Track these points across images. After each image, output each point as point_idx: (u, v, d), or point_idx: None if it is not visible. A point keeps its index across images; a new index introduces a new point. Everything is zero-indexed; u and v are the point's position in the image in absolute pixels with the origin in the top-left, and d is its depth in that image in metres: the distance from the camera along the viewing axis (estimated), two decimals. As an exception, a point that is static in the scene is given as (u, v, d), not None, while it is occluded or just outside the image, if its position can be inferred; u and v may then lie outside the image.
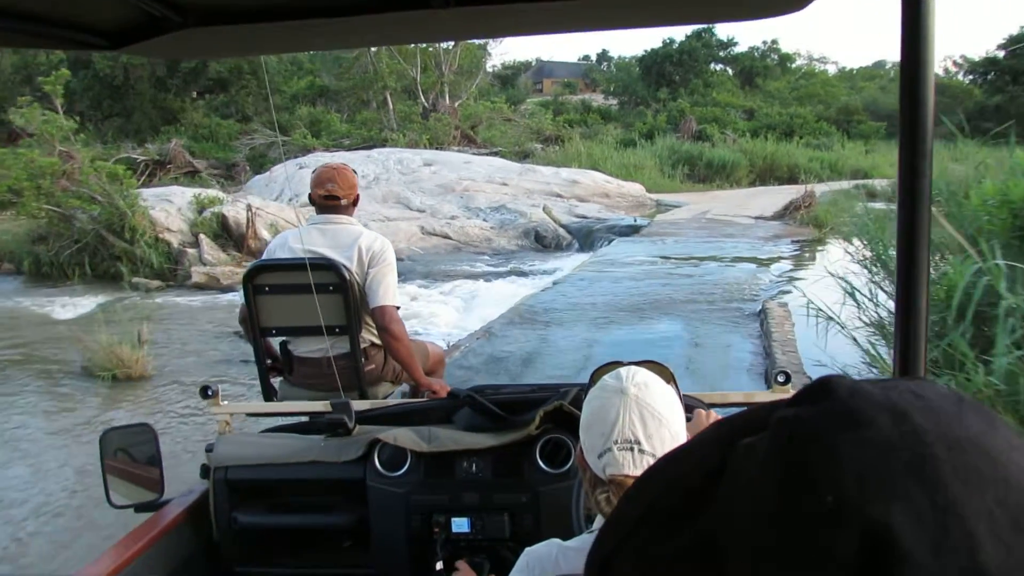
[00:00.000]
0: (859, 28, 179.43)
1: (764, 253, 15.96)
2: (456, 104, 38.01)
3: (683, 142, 35.61)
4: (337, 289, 3.74)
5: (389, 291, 3.83)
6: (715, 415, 1.84)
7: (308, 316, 3.63)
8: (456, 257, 19.21)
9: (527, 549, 1.64)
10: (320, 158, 25.57)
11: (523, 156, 33.63)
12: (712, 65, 61.30)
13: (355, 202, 4.07)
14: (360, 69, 39.01)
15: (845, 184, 31.67)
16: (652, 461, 1.01)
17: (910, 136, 1.35)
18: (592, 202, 24.68)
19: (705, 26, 55.70)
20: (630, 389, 1.51)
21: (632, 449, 1.46)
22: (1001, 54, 52.05)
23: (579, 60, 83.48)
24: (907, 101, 1.36)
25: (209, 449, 2.75)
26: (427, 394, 3.85)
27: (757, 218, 20.73)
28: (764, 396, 2.59)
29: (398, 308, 3.87)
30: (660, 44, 58.93)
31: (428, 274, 16.51)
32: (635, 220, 20.95)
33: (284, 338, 4.00)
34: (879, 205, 14.79)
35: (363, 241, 3.87)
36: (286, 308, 3.80)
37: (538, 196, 24.59)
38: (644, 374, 1.56)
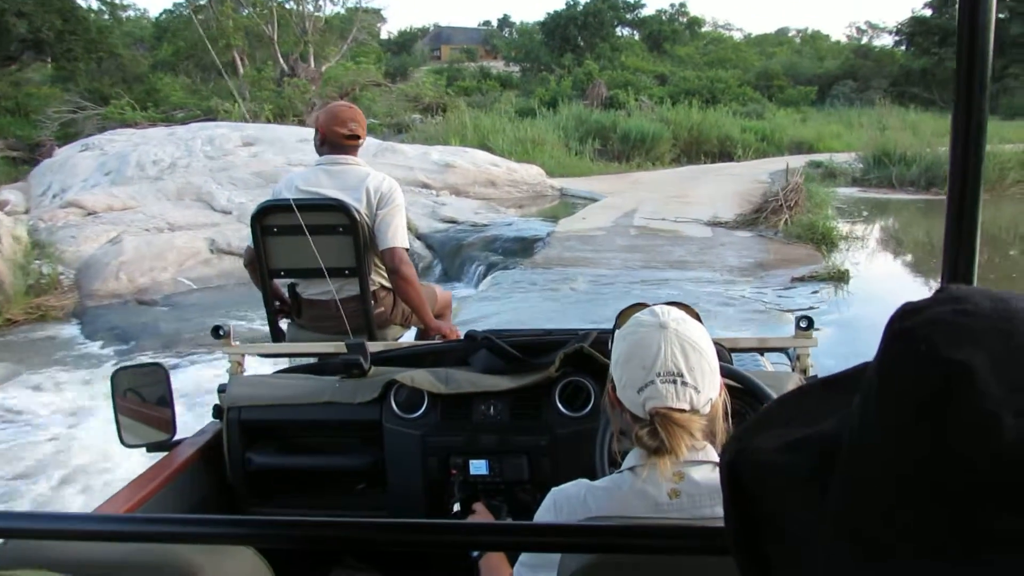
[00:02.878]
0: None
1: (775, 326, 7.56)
2: (321, 68, 29.38)
3: (592, 110, 27.52)
4: (347, 231, 3.42)
5: (399, 233, 3.51)
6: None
7: (315, 257, 3.39)
8: (242, 295, 11.05)
9: (554, 488, 1.54)
10: (117, 137, 19.95)
11: (398, 130, 25.45)
12: (619, 29, 54.69)
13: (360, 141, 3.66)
14: (203, 25, 29.96)
15: (792, 160, 24.33)
16: (694, 393, 1.37)
17: (965, 112, 1.14)
18: (471, 195, 16.53)
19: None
20: (669, 323, 1.43)
21: (675, 381, 1.38)
22: (928, 13, 45.56)
23: (479, 26, 74.99)
24: (963, 74, 1.13)
25: (222, 389, 2.53)
26: (437, 337, 3.58)
27: (713, 224, 12.78)
28: (782, 340, 2.43)
29: (407, 250, 3.55)
30: (563, 6, 51.40)
31: (169, 339, 8.40)
32: (526, 226, 12.91)
33: (292, 280, 3.63)
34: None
35: (371, 182, 3.53)
36: (294, 249, 3.46)
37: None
38: (678, 311, 1.48)
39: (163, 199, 15.38)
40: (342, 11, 34.17)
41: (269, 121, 23.98)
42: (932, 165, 18.14)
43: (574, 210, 15.74)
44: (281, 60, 30.18)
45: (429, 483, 2.33)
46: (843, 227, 12.43)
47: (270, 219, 3.51)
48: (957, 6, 1.15)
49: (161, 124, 23.70)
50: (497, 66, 53.35)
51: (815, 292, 8.82)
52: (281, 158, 17.12)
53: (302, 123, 25.80)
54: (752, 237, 11.68)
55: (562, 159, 21.72)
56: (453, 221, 13.76)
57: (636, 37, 55.64)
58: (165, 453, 2.40)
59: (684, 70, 41.37)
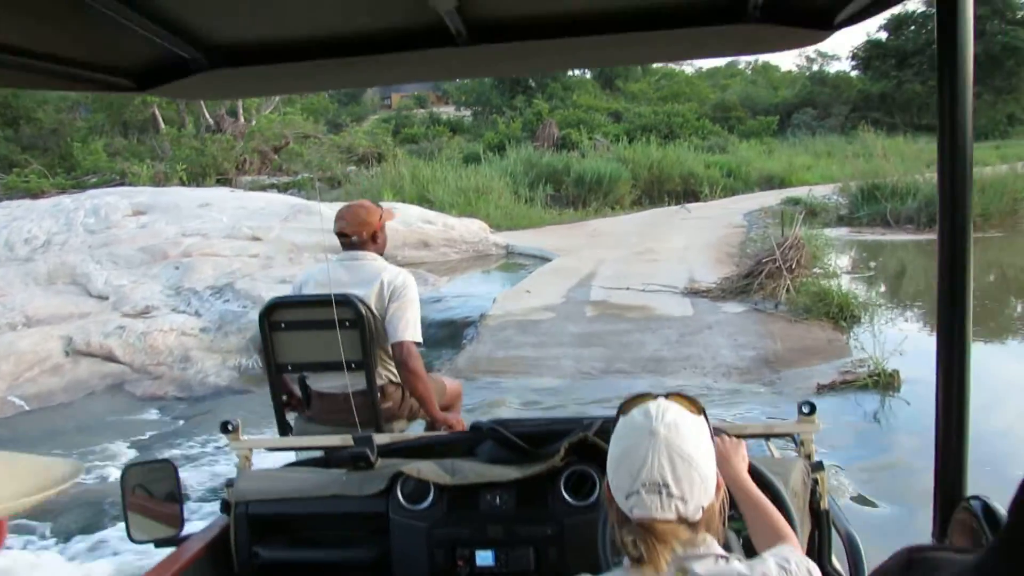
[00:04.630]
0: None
1: None
2: (251, 122, 26.26)
3: (543, 153, 24.58)
4: (353, 325, 3.41)
5: (410, 327, 3.48)
6: (736, 441, 1.80)
7: (324, 352, 3.40)
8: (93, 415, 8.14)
9: None
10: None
11: (332, 184, 22.37)
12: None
13: (374, 237, 3.66)
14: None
15: (764, 197, 21.46)
16: (681, 504, 1.29)
17: (950, 142, 1.26)
18: (399, 260, 13.44)
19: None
20: (660, 430, 1.34)
21: (660, 492, 1.31)
22: (884, 36, 43.44)
23: (430, 72, 71.97)
24: (946, 103, 1.26)
25: (229, 484, 2.44)
26: (444, 430, 3.51)
27: (692, 293, 9.63)
28: (788, 427, 2.34)
29: (419, 344, 3.52)
30: (513, 47, 48.73)
31: None
32: (456, 303, 9.80)
33: (301, 374, 3.62)
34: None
35: (385, 276, 3.55)
36: (302, 344, 3.52)
37: (309, 256, 13.35)
38: (674, 412, 1.38)
39: (31, 284, 12.18)
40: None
41: (183, 183, 20.84)
42: (931, 199, 15.28)
43: (519, 273, 12.67)
44: (206, 115, 27.09)
45: (436, 574, 2.22)
46: (857, 290, 9.43)
47: (277, 315, 3.52)
48: (936, 31, 1.21)
49: (71, 191, 20.48)
50: (448, 111, 50.76)
51: (867, 414, 5.73)
52: (174, 228, 13.95)
53: (228, 182, 22.72)
54: (746, 312, 8.59)
55: (510, 209, 18.71)
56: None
57: (587, 76, 53.28)
58: (173, 548, 2.32)
59: (638, 106, 38.78)
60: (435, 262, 14.02)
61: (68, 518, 5.75)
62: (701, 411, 1.45)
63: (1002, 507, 1.20)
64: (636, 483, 1.33)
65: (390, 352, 3.53)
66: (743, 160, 25.82)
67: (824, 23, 1.47)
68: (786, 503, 1.83)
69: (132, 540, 2.36)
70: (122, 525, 5.81)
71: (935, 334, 1.47)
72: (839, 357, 7.02)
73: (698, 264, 11.76)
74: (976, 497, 1.33)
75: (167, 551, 2.33)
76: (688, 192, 22.56)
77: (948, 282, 1.34)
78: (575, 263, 12.29)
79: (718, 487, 1.38)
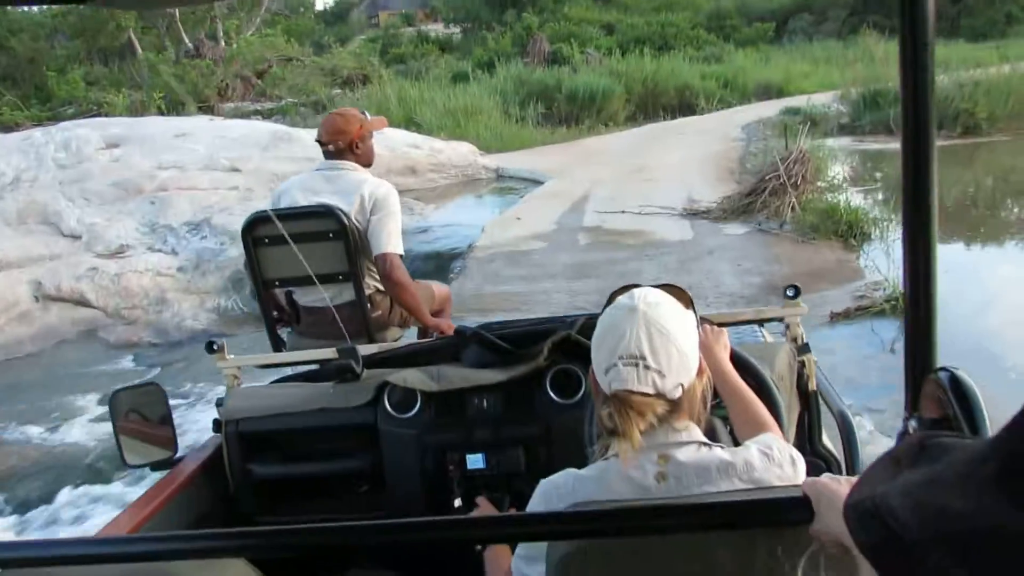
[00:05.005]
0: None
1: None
2: (231, 45, 25.20)
3: (533, 69, 23.64)
4: (337, 236, 3.33)
5: (392, 238, 3.39)
6: (717, 330, 1.79)
7: (310, 265, 3.31)
8: (67, 365, 7.69)
9: (543, 480, 1.48)
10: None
11: (317, 108, 21.49)
12: (559, -21, 50.47)
13: (353, 147, 3.52)
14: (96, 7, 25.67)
15: (762, 108, 20.64)
16: (658, 377, 1.29)
17: (912, 53, 1.23)
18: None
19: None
20: (639, 306, 1.35)
21: (637, 364, 1.31)
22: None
23: (416, -12, 69.95)
24: (906, 11, 1.20)
25: (219, 403, 2.45)
26: (435, 335, 3.47)
27: (692, 214, 9.06)
28: (774, 311, 2.33)
29: (401, 256, 3.43)
30: (501, -40, 47.13)
31: None
32: (443, 232, 9.24)
33: (288, 289, 3.54)
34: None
35: (366, 188, 3.42)
36: (287, 258, 3.36)
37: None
38: (657, 294, 1.41)
39: (1, 224, 11.59)
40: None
41: (161, 112, 19.98)
42: (936, 102, 14.53)
43: (509, 198, 12.07)
44: (185, 39, 26.03)
45: (427, 481, 2.25)
46: (866, 204, 8.83)
47: (259, 231, 3.41)
48: None
49: (47, 123, 19.63)
50: (437, 29, 49.17)
51: (885, 344, 5.22)
52: (150, 161, 13.22)
53: (210, 110, 21.84)
54: (749, 234, 8.03)
55: (500, 129, 17.94)
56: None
57: (579, -13, 51.61)
58: (168, 471, 2.33)
59: (631, 17, 37.45)
60: (422, 188, 13.39)
61: (27, 485, 5.32)
62: (689, 303, 1.47)
63: (968, 376, 1.26)
64: (614, 356, 1.33)
65: (373, 265, 3.50)
66: (739, 70, 24.83)
67: None
68: (770, 388, 1.80)
69: (126, 464, 2.37)
70: (85, 489, 5.27)
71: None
72: (852, 280, 6.49)
73: (697, 182, 11.15)
74: (944, 368, 1.33)
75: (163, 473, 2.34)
76: (684, 105, 21.71)
77: (912, 145, 1.31)
78: (567, 185, 11.67)
79: (700, 371, 1.38)
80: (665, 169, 12.41)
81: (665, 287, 1.47)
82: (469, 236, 9.23)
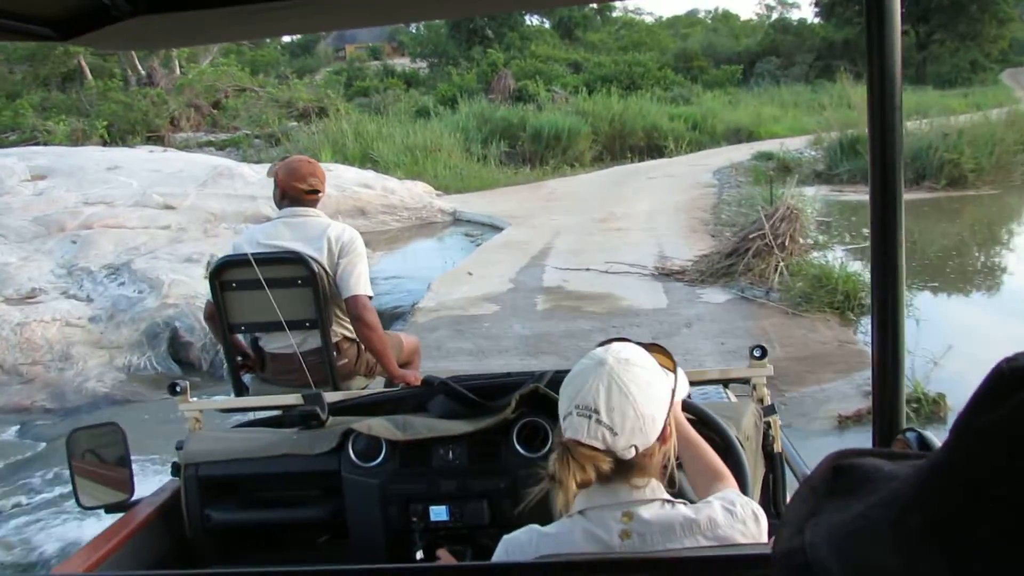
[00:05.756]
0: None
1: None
2: (183, 75, 23.94)
3: (497, 106, 22.66)
4: (306, 283, 3.32)
5: (361, 280, 3.39)
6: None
7: (277, 311, 3.27)
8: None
9: (505, 537, 1.49)
10: None
11: (272, 141, 20.29)
12: (528, 17, 50.17)
13: (316, 192, 3.54)
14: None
15: (733, 152, 19.75)
16: (608, 434, 1.27)
17: (880, 96, 1.25)
18: (330, 231, 11.64)
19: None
20: (609, 360, 1.34)
21: (590, 417, 1.30)
22: (848, -18, 41.67)
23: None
24: (876, 53, 1.24)
25: (179, 447, 2.37)
26: (402, 386, 3.27)
27: (664, 274, 7.91)
28: (741, 372, 2.31)
29: (371, 298, 3.42)
30: (468, -3, 46.47)
31: None
32: (386, 286, 8.07)
33: (253, 335, 3.53)
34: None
35: (332, 232, 3.41)
36: (254, 304, 3.37)
37: (227, 226, 11.56)
38: (633, 351, 1.38)
39: (-100, 267, 10.25)
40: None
41: (105, 141, 18.70)
42: (919, 151, 13.66)
43: (464, 245, 10.96)
44: (139, 67, 24.77)
45: (390, 532, 2.19)
46: (858, 266, 7.78)
47: (228, 274, 3.39)
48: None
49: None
50: (403, 64, 48.32)
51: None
52: (76, 194, 11.99)
53: (160, 140, 20.57)
54: (732, 303, 6.92)
55: (461, 168, 16.87)
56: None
57: (546, 25, 51.14)
58: (124, 513, 2.26)
59: (599, 56, 36.78)
60: (372, 232, 12.18)
61: None
62: (673, 369, 1.43)
63: (936, 439, 1.24)
64: (571, 405, 1.32)
65: (344, 308, 3.45)
66: (708, 111, 24.05)
67: None
68: (735, 447, 1.77)
69: (81, 506, 2.27)
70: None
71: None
72: (858, 368, 5.38)
73: (668, 234, 10.09)
74: (911, 429, 1.33)
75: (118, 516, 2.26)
76: (652, 147, 20.80)
77: (880, 227, 1.30)
78: (527, 234, 10.55)
79: (664, 438, 1.34)
80: (634, 218, 11.35)
81: (651, 347, 1.43)
82: (415, 292, 8.08)
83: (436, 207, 13.30)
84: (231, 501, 2.34)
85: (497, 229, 11.60)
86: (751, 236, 7.43)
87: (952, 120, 15.43)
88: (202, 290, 8.74)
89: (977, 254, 9.58)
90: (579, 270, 8.32)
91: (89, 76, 24.05)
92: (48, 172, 13.22)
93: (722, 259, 7.58)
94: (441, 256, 10.09)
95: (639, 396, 1.29)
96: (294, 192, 3.46)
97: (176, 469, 2.34)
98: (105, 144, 18.24)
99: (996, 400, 0.48)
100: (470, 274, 8.42)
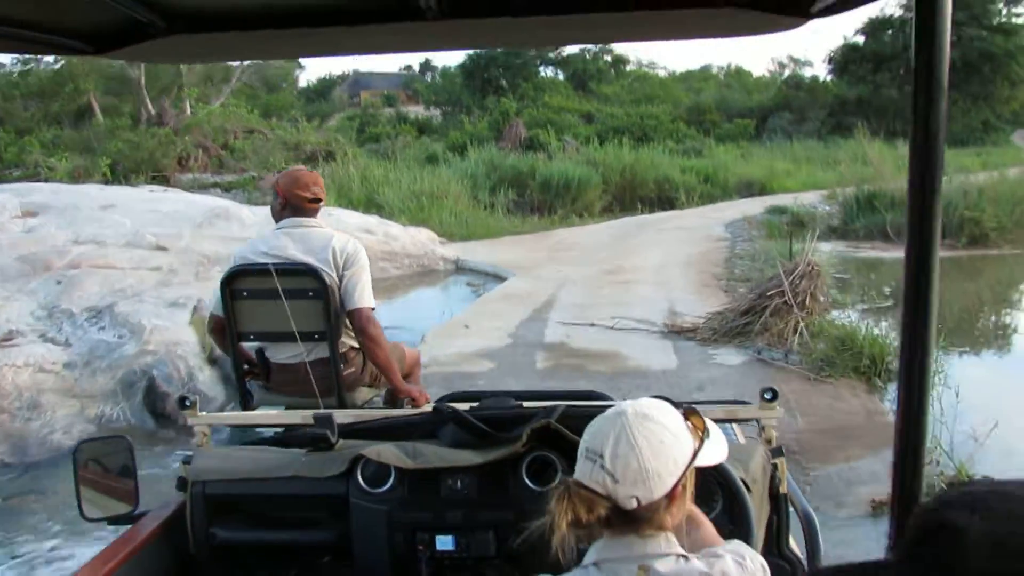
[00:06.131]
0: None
1: None
2: (190, 114, 23.72)
3: (507, 154, 22.29)
4: (317, 295, 3.35)
5: (365, 293, 3.43)
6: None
7: (286, 321, 3.28)
8: None
9: None
10: None
11: (279, 183, 19.86)
12: (542, 69, 50.46)
13: (318, 202, 3.58)
14: (63, 68, 24.09)
15: (745, 205, 19.28)
16: (610, 481, 1.28)
17: (923, 145, 1.23)
18: (328, 277, 11.12)
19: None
20: (628, 411, 1.36)
21: (595, 461, 1.32)
22: (861, 39, 41.52)
23: (401, 71, 69.05)
24: (921, 101, 1.22)
25: (187, 461, 2.32)
26: (406, 401, 3.48)
27: (674, 332, 7.33)
28: (750, 412, 2.31)
29: (374, 309, 3.46)
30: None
31: None
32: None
33: (260, 344, 3.57)
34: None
35: (336, 243, 3.43)
36: (264, 313, 3.40)
37: (220, 270, 10.95)
38: (656, 408, 1.38)
39: None
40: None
41: (107, 179, 18.35)
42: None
43: (465, 295, 10.44)
44: (149, 105, 24.57)
45: (395, 559, 2.16)
46: (882, 328, 7.21)
47: (240, 283, 3.42)
48: (913, 33, 1.22)
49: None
50: (417, 111, 48.35)
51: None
52: (67, 232, 11.49)
53: (165, 180, 20.23)
54: (748, 364, 6.35)
55: (467, 215, 16.39)
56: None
57: (560, 77, 51.22)
58: (128, 526, 2.25)
59: (611, 107, 36.59)
60: (372, 279, 11.72)
61: None
62: (700, 437, 1.40)
63: None
64: (584, 448, 1.36)
65: (348, 320, 3.46)
66: (720, 165, 23.62)
67: (801, 11, 1.41)
68: (740, 491, 1.77)
69: (85, 518, 2.26)
70: None
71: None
72: (887, 445, 4.80)
73: (679, 288, 9.54)
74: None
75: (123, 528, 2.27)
76: (663, 199, 20.33)
77: (913, 295, 1.28)
78: (531, 285, 10.02)
79: (672, 497, 1.34)
80: (643, 271, 10.82)
81: (687, 410, 1.43)
82: (408, 345, 7.54)
83: (439, 255, 12.80)
84: (237, 519, 2.28)
85: (500, 279, 11.08)
86: (769, 293, 6.87)
87: (971, 178, 14.95)
88: (184, 337, 8.24)
89: (1011, 317, 8.96)
90: (584, 325, 7.76)
91: (99, 114, 23.85)
92: (41, 209, 12.78)
93: (737, 317, 7.02)
94: (439, 306, 9.56)
95: (646, 450, 1.30)
96: (297, 201, 3.46)
97: (182, 484, 2.29)
98: (107, 182, 17.90)
99: (921, 559, 0.54)
100: (467, 327, 7.87)
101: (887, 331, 6.90)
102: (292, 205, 3.47)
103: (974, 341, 7.94)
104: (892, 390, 5.88)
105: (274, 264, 3.35)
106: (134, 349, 7.91)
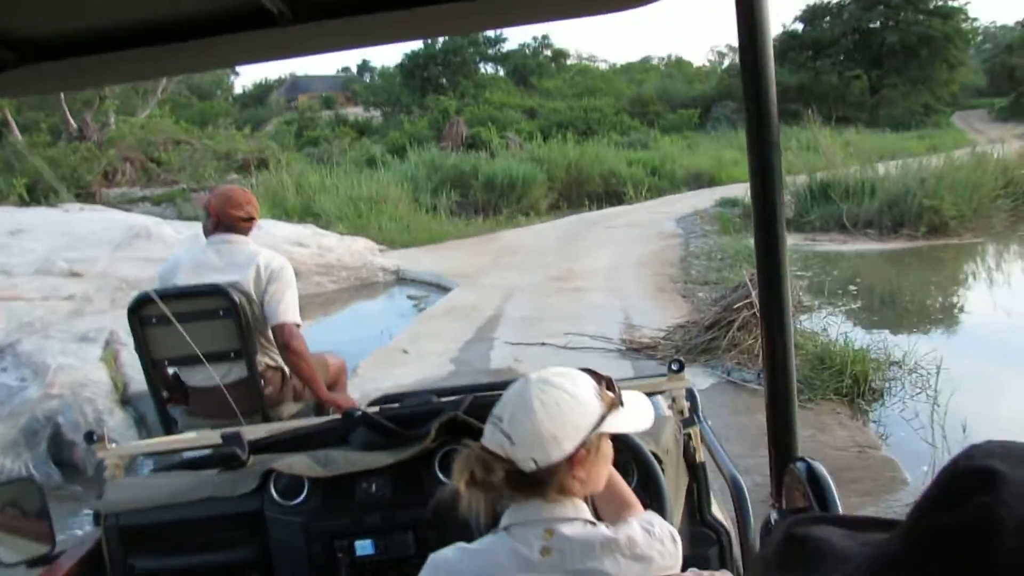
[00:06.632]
0: (618, 25, 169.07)
1: None
2: (114, 127, 22.45)
3: (449, 154, 21.47)
4: (228, 314, 3.30)
5: (289, 308, 3.42)
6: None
7: (201, 343, 3.19)
8: None
9: (431, 555, 1.47)
10: None
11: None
12: (482, 66, 49.73)
13: (250, 221, 3.55)
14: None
15: (695, 198, 18.68)
16: (507, 443, 1.29)
17: (757, 131, 1.31)
18: (257, 296, 10.22)
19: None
20: (531, 377, 1.37)
21: (496, 424, 1.34)
22: (800, 27, 41.45)
23: (338, 73, 67.31)
24: (752, 95, 1.30)
25: (99, 496, 2.27)
26: (332, 410, 3.47)
27: (632, 349, 6.63)
28: (660, 384, 2.24)
29: (299, 325, 3.42)
30: (422, 46, 46.08)
31: None
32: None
33: (174, 369, 3.59)
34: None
35: (261, 259, 3.43)
36: (176, 338, 3.23)
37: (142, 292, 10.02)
38: (561, 374, 1.38)
39: None
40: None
41: (24, 200, 17.16)
42: (895, 198, 12.63)
43: (403, 310, 9.66)
44: (71, 120, 23.24)
45: (315, 569, 2.09)
46: (856, 335, 6.57)
47: (146, 310, 3.35)
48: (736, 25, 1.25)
49: None
50: (356, 112, 47.23)
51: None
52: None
53: (91, 197, 19.06)
54: (717, 388, 5.61)
55: (408, 220, 15.55)
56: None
57: (500, 73, 50.52)
58: (46, 567, 2.15)
59: (554, 102, 35.93)
60: (305, 295, 10.68)
61: None
62: (612, 402, 1.39)
63: (824, 468, 1.34)
64: (490, 415, 1.38)
65: (269, 337, 3.43)
66: (667, 156, 23.06)
67: None
68: (650, 464, 1.77)
69: (1, 563, 2.19)
70: None
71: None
72: (890, 489, 4.10)
73: (633, 294, 8.83)
74: (801, 458, 1.37)
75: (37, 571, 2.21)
76: (611, 193, 19.69)
77: (765, 263, 1.36)
78: (475, 297, 9.23)
79: (574, 461, 1.33)
80: (594, 275, 10.10)
81: (603, 380, 1.42)
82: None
83: (378, 265, 11.95)
84: (155, 549, 2.20)
85: (443, 290, 10.29)
86: (736, 305, 6.16)
87: (923, 163, 14.49)
88: (93, 376, 7.35)
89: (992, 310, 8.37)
90: (533, 344, 7.00)
91: (16, 131, 22.48)
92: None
93: (701, 331, 6.30)
94: (377, 325, 8.72)
95: (540, 412, 1.31)
96: (229, 219, 3.43)
97: (97, 518, 2.22)
98: (24, 203, 16.73)
99: (955, 499, 0.50)
100: (405, 352, 7.08)
101: (864, 342, 6.26)
102: (224, 224, 3.45)
103: (959, 336, 7.37)
104: (879, 414, 5.23)
105: (176, 289, 3.34)
106: (37, 393, 6.99)
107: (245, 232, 3.49)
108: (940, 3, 40.56)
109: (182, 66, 2.05)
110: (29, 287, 9.78)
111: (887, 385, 5.59)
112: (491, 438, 1.32)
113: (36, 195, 18.38)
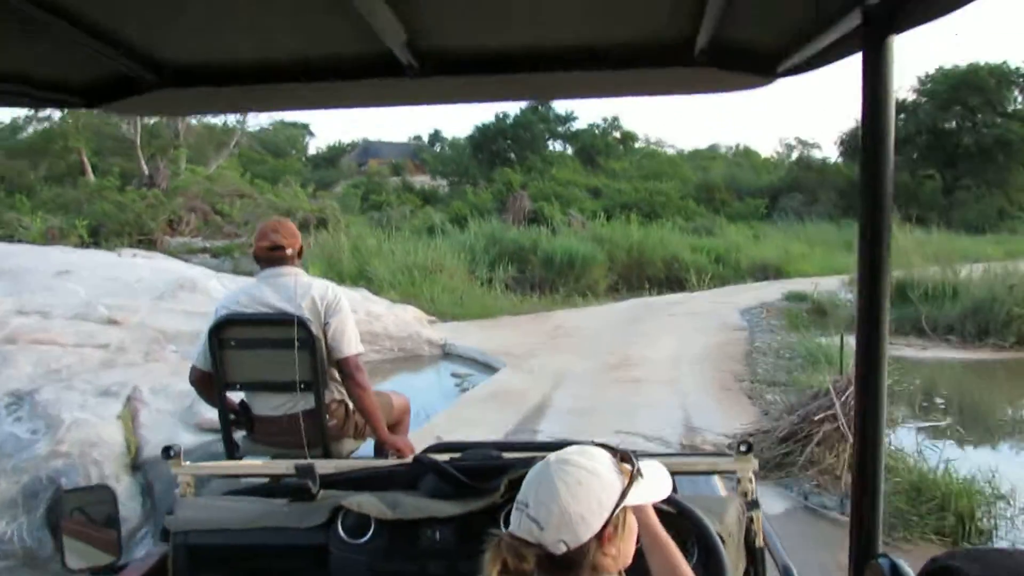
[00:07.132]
0: (687, 112, 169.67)
1: None
2: (182, 174, 22.56)
3: (510, 227, 21.01)
4: (304, 344, 3.29)
5: (353, 340, 3.41)
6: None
7: (272, 372, 3.32)
8: None
9: None
10: None
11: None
12: (551, 143, 49.66)
13: (300, 253, 3.58)
14: (55, 126, 23.01)
15: (761, 290, 17.84)
16: (535, 528, 1.29)
17: (870, 223, 1.23)
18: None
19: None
20: (552, 459, 1.38)
21: (522, 510, 1.34)
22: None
23: (409, 140, 68.50)
24: (867, 175, 1.24)
25: (170, 512, 2.29)
26: (392, 453, 3.43)
27: (695, 455, 6.00)
28: (727, 464, 2.21)
29: (361, 355, 3.44)
30: (493, 119, 46.42)
31: None
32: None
33: (243, 395, 3.62)
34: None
35: (315, 291, 3.43)
36: (251, 363, 3.39)
37: (175, 349, 9.64)
38: (579, 452, 1.38)
39: None
40: (267, 126, 28.33)
41: (84, 241, 17.11)
42: (980, 304, 11.69)
43: (447, 390, 9.00)
44: (144, 165, 23.47)
45: None
46: (953, 456, 5.72)
47: (228, 332, 3.37)
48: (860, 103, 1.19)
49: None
50: (424, 180, 47.48)
51: None
52: (11, 302, 10.17)
53: (151, 244, 19.02)
54: (791, 514, 4.82)
55: (462, 291, 15.01)
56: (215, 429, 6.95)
57: (568, 151, 50.48)
58: None
59: (619, 183, 35.51)
60: (346, 363, 10.31)
61: None
62: (630, 477, 1.37)
63: (907, 565, 1.23)
64: (516, 500, 1.37)
65: (333, 370, 3.44)
66: (732, 245, 22.29)
67: (767, 71, 1.48)
68: (714, 543, 1.77)
69: (67, 568, 2.20)
70: None
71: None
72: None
73: (694, 391, 8.06)
74: (884, 555, 1.30)
75: None
76: (672, 279, 18.94)
77: (864, 364, 1.25)
78: (523, 381, 8.54)
79: (604, 539, 1.33)
80: (653, 365, 9.35)
81: (619, 453, 1.41)
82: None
83: (424, 337, 11.35)
84: (219, 570, 2.20)
85: (490, 369, 9.63)
86: (816, 417, 5.36)
87: (1009, 268, 13.54)
88: (106, 435, 6.81)
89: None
90: (582, 441, 6.29)
91: (89, 173, 22.74)
92: (-14, 277, 11.48)
93: (774, 444, 5.51)
94: (415, 403, 8.08)
95: (564, 493, 1.30)
96: (259, 252, 3.47)
97: (165, 535, 2.23)
98: (83, 244, 16.66)
99: None
100: (439, 439, 6.40)
101: (965, 467, 5.40)
102: (259, 258, 3.48)
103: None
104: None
105: (263, 315, 3.34)
106: (45, 449, 6.48)
107: (284, 262, 3.44)
108: (1020, 106, 39.48)
109: (309, 103, 2.07)
110: (65, 332, 9.37)
111: (994, 523, 4.72)
112: (519, 525, 1.33)
113: (99, 238, 18.38)
